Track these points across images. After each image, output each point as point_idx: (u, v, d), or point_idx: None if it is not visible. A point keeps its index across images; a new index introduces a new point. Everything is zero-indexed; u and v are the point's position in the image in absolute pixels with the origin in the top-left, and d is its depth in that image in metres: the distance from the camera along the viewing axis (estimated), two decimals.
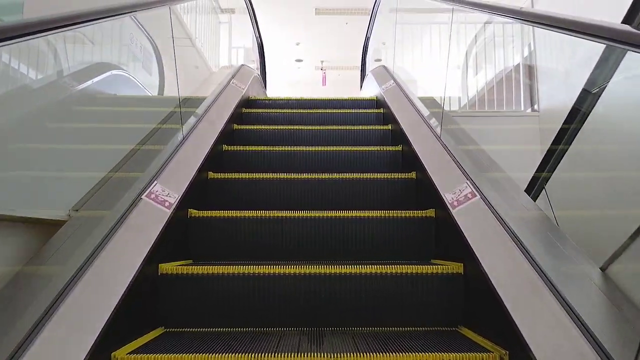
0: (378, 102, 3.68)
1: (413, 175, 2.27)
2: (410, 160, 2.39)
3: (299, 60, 11.33)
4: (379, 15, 5.09)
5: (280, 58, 10.91)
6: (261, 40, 5.46)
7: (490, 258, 1.39)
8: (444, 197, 1.79)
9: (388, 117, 3.11)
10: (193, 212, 1.94)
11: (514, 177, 1.94)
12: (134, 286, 1.33)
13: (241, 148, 2.63)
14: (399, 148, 2.61)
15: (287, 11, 8.79)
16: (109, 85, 3.00)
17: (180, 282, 1.57)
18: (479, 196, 1.70)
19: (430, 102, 2.77)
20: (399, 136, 2.70)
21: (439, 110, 2.68)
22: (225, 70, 3.75)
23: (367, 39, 5.61)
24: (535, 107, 5.08)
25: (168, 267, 1.59)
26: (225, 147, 2.62)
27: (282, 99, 3.86)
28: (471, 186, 1.78)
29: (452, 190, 1.81)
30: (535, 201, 1.82)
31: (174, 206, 1.73)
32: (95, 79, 2.87)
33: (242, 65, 4.16)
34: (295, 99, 3.78)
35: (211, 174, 2.29)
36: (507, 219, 1.50)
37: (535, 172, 1.97)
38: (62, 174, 1.70)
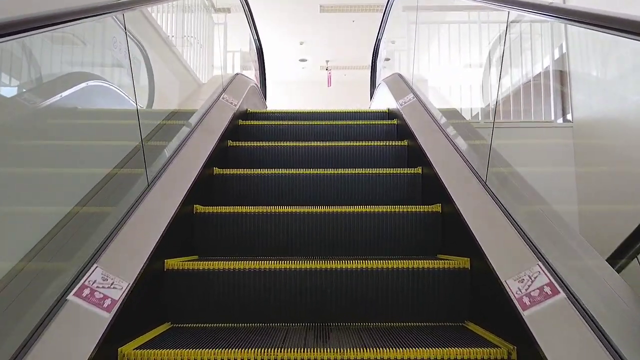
0: (391, 114, 3.14)
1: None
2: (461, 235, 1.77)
3: (302, 60, 10.76)
4: (392, 14, 4.50)
5: (283, 57, 10.35)
6: (260, 44, 4.87)
7: None
8: (507, 288, 1.24)
9: (416, 152, 2.53)
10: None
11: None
12: None
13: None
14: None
15: (290, 8, 8.23)
16: (80, 101, 2.48)
17: (186, 277, 1.52)
18: (562, 293, 1.15)
19: (470, 134, 2.19)
20: (433, 185, 2.12)
21: (476, 134, 2.14)
22: (216, 82, 3.21)
23: (378, 41, 4.93)
24: (568, 116, 4.52)
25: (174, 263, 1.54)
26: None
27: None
28: (546, 271, 1.24)
29: (518, 275, 1.27)
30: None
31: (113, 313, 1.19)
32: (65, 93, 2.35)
33: (237, 74, 3.62)
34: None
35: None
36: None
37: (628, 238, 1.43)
38: None
